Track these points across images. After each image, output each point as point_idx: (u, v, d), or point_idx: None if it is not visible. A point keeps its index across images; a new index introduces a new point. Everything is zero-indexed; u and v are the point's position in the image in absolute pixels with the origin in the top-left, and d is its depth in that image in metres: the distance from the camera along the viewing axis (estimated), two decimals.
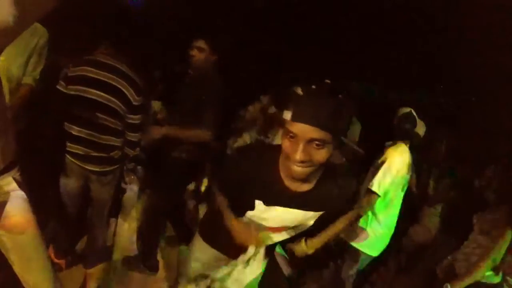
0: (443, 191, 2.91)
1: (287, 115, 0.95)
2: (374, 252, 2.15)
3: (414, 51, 3.87)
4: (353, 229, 2.11)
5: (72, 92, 1.84)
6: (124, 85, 1.86)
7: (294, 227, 1.26)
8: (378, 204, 2.05)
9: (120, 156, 2.02)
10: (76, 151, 1.90)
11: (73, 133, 1.88)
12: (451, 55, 3.73)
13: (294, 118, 0.94)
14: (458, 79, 3.70)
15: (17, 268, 1.44)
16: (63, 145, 1.92)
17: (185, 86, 2.38)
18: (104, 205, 2.16)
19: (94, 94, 1.82)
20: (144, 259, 2.43)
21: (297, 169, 0.99)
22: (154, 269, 2.45)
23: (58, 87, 1.87)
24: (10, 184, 1.33)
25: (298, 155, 0.95)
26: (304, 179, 1.07)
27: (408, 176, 2.14)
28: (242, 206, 1.23)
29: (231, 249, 1.31)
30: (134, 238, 2.64)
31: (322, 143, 0.95)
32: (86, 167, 1.95)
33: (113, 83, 1.84)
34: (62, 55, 2.19)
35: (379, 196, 1.99)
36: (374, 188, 1.98)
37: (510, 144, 2.84)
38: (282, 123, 1.01)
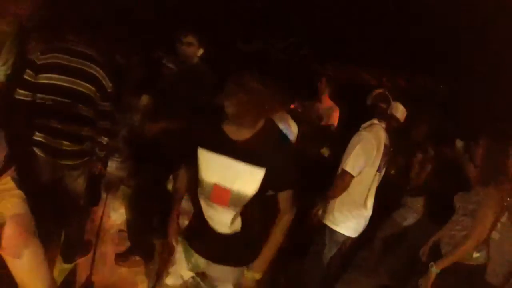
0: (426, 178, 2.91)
1: None
2: (353, 233, 2.15)
3: (401, 35, 3.88)
4: (330, 211, 2.11)
5: (43, 81, 1.80)
6: (99, 71, 1.86)
7: (236, 196, 1.25)
8: (354, 184, 2.04)
9: (90, 147, 1.99)
10: (48, 143, 1.86)
11: (46, 124, 1.84)
12: (437, 37, 3.73)
13: None
14: (443, 60, 3.71)
15: (16, 278, 1.44)
16: (30, 138, 1.87)
17: (175, 79, 2.42)
18: (78, 198, 2.13)
19: (69, 81, 1.80)
20: (134, 250, 2.43)
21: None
22: (147, 257, 2.44)
23: (25, 76, 1.83)
24: (8, 183, 1.37)
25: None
26: (240, 123, 1.17)
27: (385, 158, 2.13)
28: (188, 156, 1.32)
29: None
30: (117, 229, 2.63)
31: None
32: (58, 160, 1.91)
33: (89, 70, 1.83)
34: (31, 43, 2.13)
35: (353, 176, 1.98)
36: (348, 168, 1.98)
37: (493, 124, 2.85)
38: None
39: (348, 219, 2.10)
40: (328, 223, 2.13)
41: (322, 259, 2.21)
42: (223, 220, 1.30)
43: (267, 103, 1.15)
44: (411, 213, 2.88)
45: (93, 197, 2.36)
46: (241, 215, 1.29)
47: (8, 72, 2.09)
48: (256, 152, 1.21)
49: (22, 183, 1.45)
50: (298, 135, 2.38)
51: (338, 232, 2.12)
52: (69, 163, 1.93)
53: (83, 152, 1.97)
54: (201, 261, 1.42)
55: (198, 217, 1.37)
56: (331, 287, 2.64)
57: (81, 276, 2.25)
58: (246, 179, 1.22)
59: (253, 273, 1.33)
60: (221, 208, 1.29)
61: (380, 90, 2.23)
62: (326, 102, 3.28)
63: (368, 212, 2.17)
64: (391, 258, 3.04)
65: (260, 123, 1.22)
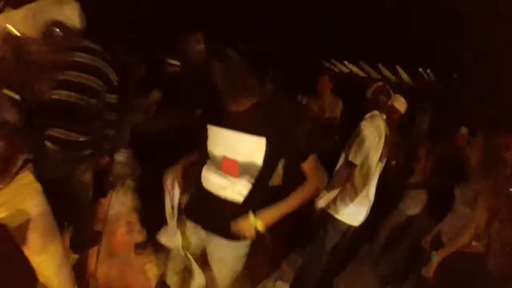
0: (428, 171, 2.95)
1: None
2: (355, 222, 2.19)
3: (400, 30, 3.91)
4: (333, 200, 2.16)
5: (50, 77, 1.85)
6: (105, 65, 1.91)
7: (244, 167, 1.31)
8: (356, 174, 2.09)
9: (96, 139, 2.03)
10: (58, 136, 1.91)
11: (56, 117, 1.88)
12: (435, 32, 3.76)
13: None
14: (441, 57, 3.74)
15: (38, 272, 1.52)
16: (40, 132, 1.93)
17: (183, 76, 2.52)
18: (87, 190, 2.19)
19: (78, 76, 1.84)
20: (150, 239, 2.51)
21: None
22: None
23: None
24: (27, 177, 1.45)
25: None
26: (236, 99, 1.30)
27: (387, 148, 2.17)
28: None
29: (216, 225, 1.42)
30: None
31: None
32: (68, 151, 1.95)
33: (96, 64, 1.88)
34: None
35: (356, 165, 2.04)
36: (351, 157, 2.04)
37: (491, 117, 2.90)
38: None
39: (350, 208, 2.15)
40: (331, 211, 2.18)
41: (325, 248, 2.25)
42: (236, 189, 1.35)
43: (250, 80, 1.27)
44: (413, 205, 2.92)
45: (102, 189, 2.42)
46: (256, 186, 1.34)
47: None
48: (254, 122, 1.28)
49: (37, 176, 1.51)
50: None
51: (340, 221, 2.16)
52: (77, 154, 1.98)
53: (90, 144, 2.01)
54: (201, 236, 1.49)
55: (201, 192, 1.43)
56: (332, 276, 2.68)
57: (90, 266, 2.31)
58: (249, 148, 1.29)
59: (256, 219, 1.32)
60: (232, 178, 1.34)
61: (380, 83, 2.26)
62: (329, 96, 3.34)
63: (370, 201, 2.22)
64: (393, 250, 3.08)
65: (255, 96, 1.31)
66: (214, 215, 1.41)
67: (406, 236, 2.98)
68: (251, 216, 1.32)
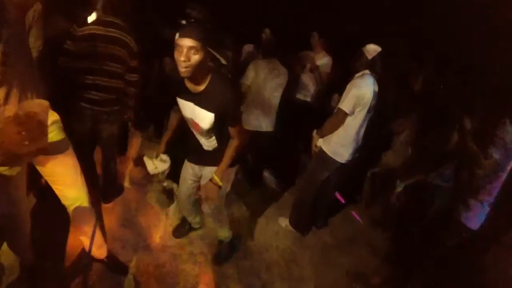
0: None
1: (177, 35, 1.55)
2: (341, 159, 2.57)
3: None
4: (327, 140, 2.56)
5: (82, 49, 2.16)
6: (128, 37, 2.24)
7: (203, 128, 1.84)
8: (348, 121, 2.46)
9: (121, 97, 2.37)
10: (91, 97, 2.26)
11: (88, 82, 2.22)
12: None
13: (179, 35, 1.54)
14: (434, 16, 3.84)
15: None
16: (75, 94, 2.26)
17: None
18: (113, 143, 2.55)
19: (105, 47, 2.17)
20: None
21: (182, 69, 1.58)
22: None
23: (66, 46, 2.18)
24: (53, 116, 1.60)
25: (182, 57, 1.54)
26: (194, 80, 1.69)
27: (374, 101, 2.47)
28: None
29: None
30: None
31: (195, 50, 1.54)
32: (99, 108, 2.30)
33: (120, 37, 2.21)
34: (62, 20, 2.36)
35: (347, 113, 2.41)
36: (344, 107, 2.40)
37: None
38: None
39: (340, 147, 2.54)
40: (323, 147, 2.58)
41: (314, 179, 2.69)
42: (204, 142, 1.97)
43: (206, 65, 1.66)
44: (396, 159, 3.21)
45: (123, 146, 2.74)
46: (216, 138, 1.92)
47: (41, 48, 2.14)
48: (207, 101, 1.74)
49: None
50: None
51: (331, 157, 2.56)
52: (107, 109, 2.34)
53: (116, 101, 2.36)
54: (196, 169, 2.15)
55: (193, 140, 2.01)
56: (326, 212, 3.11)
57: None
58: (202, 118, 1.79)
59: (217, 177, 1.94)
60: (199, 135, 1.93)
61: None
62: (320, 52, 3.62)
63: (357, 143, 2.58)
64: (384, 195, 3.32)
65: (208, 79, 1.71)
66: (201, 154, 2.03)
67: (390, 186, 3.29)
68: (214, 176, 1.94)
